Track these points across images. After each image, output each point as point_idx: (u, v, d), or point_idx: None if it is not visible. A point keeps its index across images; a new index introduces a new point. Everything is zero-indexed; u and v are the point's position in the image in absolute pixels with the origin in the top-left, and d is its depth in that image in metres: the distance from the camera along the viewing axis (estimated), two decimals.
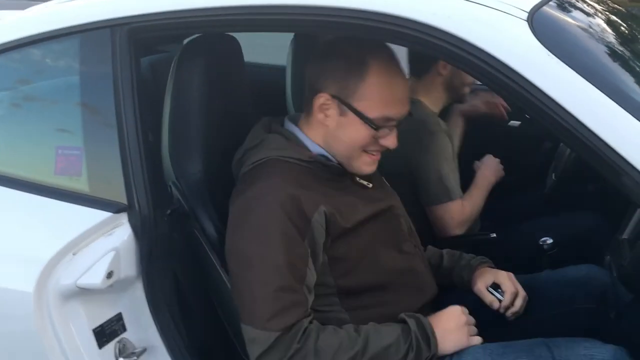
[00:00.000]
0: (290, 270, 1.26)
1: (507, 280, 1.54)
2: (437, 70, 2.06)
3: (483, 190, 2.08)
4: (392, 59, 1.35)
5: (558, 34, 1.23)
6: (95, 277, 1.30)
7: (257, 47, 2.37)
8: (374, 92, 1.31)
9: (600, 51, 1.37)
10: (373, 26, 1.18)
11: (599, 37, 1.45)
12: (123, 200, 1.37)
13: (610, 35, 1.53)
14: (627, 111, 1.01)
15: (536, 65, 1.07)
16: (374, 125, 1.32)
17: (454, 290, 1.64)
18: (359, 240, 1.40)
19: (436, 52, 1.19)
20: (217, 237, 1.51)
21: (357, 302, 1.39)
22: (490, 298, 1.54)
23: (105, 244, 1.33)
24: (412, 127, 1.92)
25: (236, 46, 1.70)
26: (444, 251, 1.70)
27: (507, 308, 1.52)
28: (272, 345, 1.22)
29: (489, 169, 2.14)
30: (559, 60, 1.07)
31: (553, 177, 2.23)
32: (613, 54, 1.41)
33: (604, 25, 1.56)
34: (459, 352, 1.42)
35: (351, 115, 1.33)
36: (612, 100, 1.03)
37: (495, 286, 1.56)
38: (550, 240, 1.90)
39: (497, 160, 2.19)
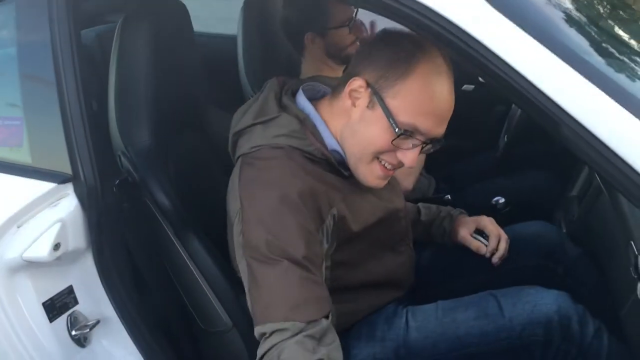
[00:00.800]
0: (311, 264, 1.14)
1: (490, 224, 1.56)
2: (309, 45, 2.03)
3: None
4: (445, 68, 1.20)
5: None
6: (42, 250, 1.27)
7: (209, 19, 2.32)
8: (413, 95, 1.16)
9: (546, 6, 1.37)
10: None
11: None
12: (67, 170, 1.33)
13: None
14: (562, 59, 1.02)
15: (471, 13, 1.06)
16: (398, 129, 1.17)
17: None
18: (363, 244, 1.35)
19: (372, 5, 1.16)
20: (170, 206, 1.49)
21: (344, 297, 1.34)
22: (476, 244, 1.55)
23: (50, 215, 1.30)
24: None
25: (183, 11, 1.66)
26: (420, 205, 1.68)
27: (493, 253, 1.54)
28: (295, 335, 1.07)
29: None
30: (494, 9, 1.06)
31: (505, 139, 2.26)
32: (560, 10, 1.42)
33: None
34: (412, 310, 1.45)
35: (379, 111, 1.18)
36: (549, 49, 1.03)
37: (479, 232, 1.58)
38: (502, 200, 1.94)
39: None
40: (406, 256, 1.51)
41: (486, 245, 1.55)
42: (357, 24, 2.00)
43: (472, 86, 2.63)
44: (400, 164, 1.23)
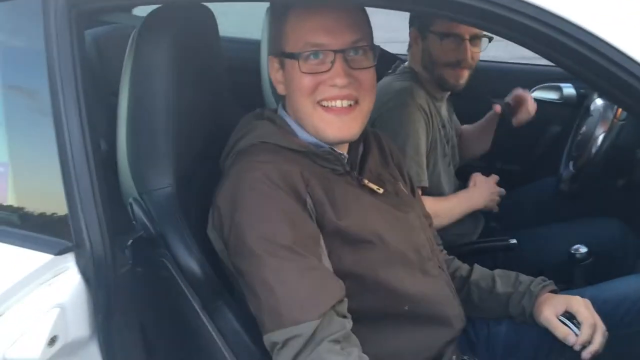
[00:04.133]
0: (305, 249, 1.04)
1: (584, 308, 1.25)
2: (412, 43, 1.77)
3: (463, 207, 1.77)
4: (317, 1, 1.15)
5: None
6: (33, 347, 0.93)
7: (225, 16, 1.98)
8: (294, 26, 1.15)
9: None
10: None
11: None
12: (68, 236, 0.99)
13: None
14: None
15: None
16: (296, 56, 1.12)
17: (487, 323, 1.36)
18: (372, 255, 1.15)
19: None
20: (197, 269, 1.16)
21: (370, 333, 1.11)
22: (563, 331, 1.24)
23: (44, 299, 0.96)
24: (387, 95, 1.67)
25: (210, 17, 1.33)
26: (496, 272, 1.38)
27: (584, 345, 1.22)
28: (310, 339, 0.97)
29: (479, 192, 1.81)
30: None
31: (571, 168, 1.95)
32: None
33: None
34: None
35: (287, 62, 1.16)
36: None
37: (569, 316, 1.26)
38: (584, 249, 1.62)
39: (492, 183, 1.83)
40: (442, 281, 1.26)
41: (577, 335, 1.23)
42: (465, 48, 1.67)
43: None
44: (337, 89, 1.12)
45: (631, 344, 1.33)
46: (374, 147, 1.33)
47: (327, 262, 1.09)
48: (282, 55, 1.17)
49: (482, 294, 1.35)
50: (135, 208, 1.18)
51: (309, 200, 1.10)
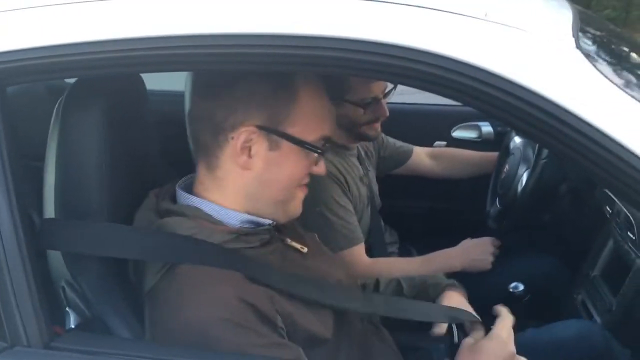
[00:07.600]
0: None
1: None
2: None
3: (430, 267, 1.72)
4: (317, 78, 1.13)
5: None
6: None
7: None
8: (309, 112, 1.08)
9: None
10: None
11: None
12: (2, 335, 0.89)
13: None
14: None
15: None
16: (318, 149, 1.09)
17: None
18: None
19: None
20: None
21: None
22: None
23: None
24: None
25: (140, 83, 1.27)
26: (401, 278, 1.45)
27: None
28: None
29: (457, 254, 1.78)
30: None
31: (498, 205, 2.01)
32: None
33: None
34: None
35: (286, 145, 1.06)
36: None
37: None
38: (521, 287, 1.67)
39: (482, 247, 1.80)
40: (368, 333, 1.23)
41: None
42: (382, 105, 1.74)
43: (444, 143, 2.39)
44: (316, 174, 1.14)
45: None
46: None
47: None
48: (285, 136, 1.06)
49: None
50: (69, 292, 1.09)
51: (280, 321, 1.01)
